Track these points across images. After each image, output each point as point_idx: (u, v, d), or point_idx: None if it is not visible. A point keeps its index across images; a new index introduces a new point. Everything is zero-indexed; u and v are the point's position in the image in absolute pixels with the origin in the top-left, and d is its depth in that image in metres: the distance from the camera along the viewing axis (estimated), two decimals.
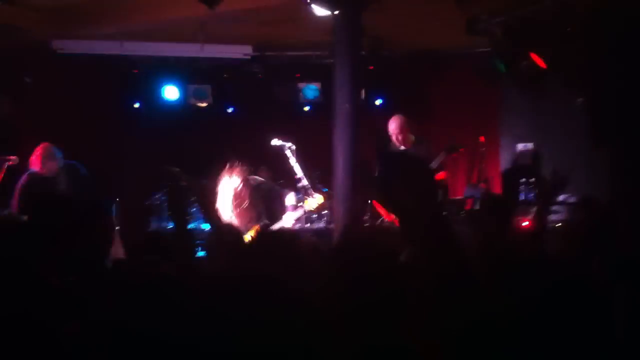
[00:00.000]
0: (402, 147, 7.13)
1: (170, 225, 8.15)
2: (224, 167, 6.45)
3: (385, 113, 9.60)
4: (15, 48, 8.50)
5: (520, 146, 8.29)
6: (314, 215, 8.14)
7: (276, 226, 6.40)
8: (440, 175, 7.22)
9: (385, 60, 9.19)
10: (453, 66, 9.25)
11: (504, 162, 8.59)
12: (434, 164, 6.98)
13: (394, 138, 7.25)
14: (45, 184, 6.65)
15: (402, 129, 7.18)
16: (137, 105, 9.84)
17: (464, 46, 8.71)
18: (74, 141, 7.97)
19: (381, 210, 7.13)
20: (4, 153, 6.97)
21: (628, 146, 6.68)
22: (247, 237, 6.16)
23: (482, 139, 7.21)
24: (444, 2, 5.80)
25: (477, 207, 7.35)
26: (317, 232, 7.93)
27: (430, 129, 9.64)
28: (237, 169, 6.41)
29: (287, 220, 6.46)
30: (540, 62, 7.29)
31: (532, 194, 7.18)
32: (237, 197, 6.39)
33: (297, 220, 6.79)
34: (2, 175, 6.78)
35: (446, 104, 9.17)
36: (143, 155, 9.11)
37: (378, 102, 9.60)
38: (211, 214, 5.34)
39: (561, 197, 7.06)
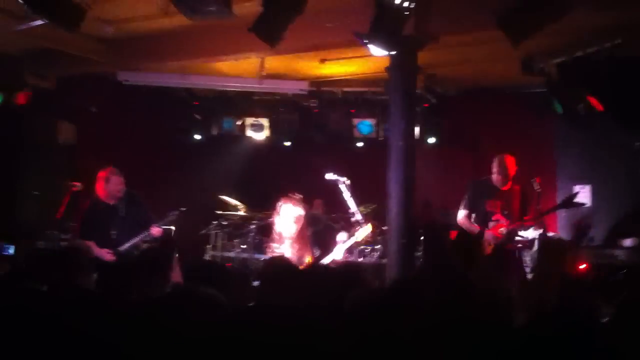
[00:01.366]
0: (497, 186, 6.96)
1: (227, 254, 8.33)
2: (282, 197, 6.62)
3: (440, 150, 9.67)
4: (83, 78, 8.87)
5: (577, 187, 8.20)
6: (367, 249, 8.21)
7: (328, 258, 6.51)
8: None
9: (440, 97, 9.25)
10: (508, 105, 9.24)
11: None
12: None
13: (495, 177, 6.96)
14: (107, 210, 6.81)
15: (509, 170, 6.89)
16: (197, 136, 10.09)
17: (520, 85, 8.71)
18: (135, 170, 8.22)
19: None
20: (70, 179, 7.22)
21: None
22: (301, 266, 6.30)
23: (537, 179, 7.14)
24: (500, 42, 5.84)
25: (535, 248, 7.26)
26: (370, 266, 8.01)
27: (485, 169, 9.64)
28: (296, 200, 6.56)
29: (338, 252, 6.54)
30: (597, 104, 7.24)
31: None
32: (297, 225, 6.55)
33: (348, 252, 6.83)
34: (67, 200, 7.01)
35: (501, 143, 9.14)
36: (201, 185, 9.32)
37: (432, 140, 9.62)
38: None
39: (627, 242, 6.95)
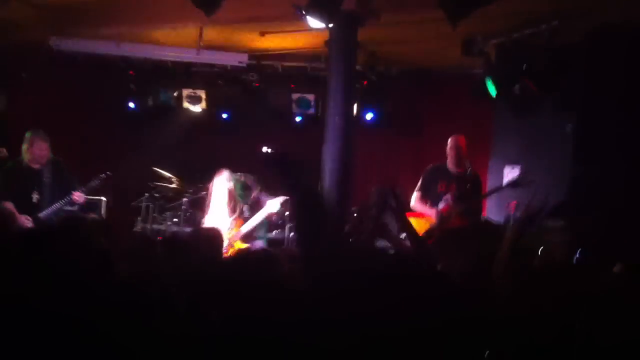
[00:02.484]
0: (455, 170, 7.04)
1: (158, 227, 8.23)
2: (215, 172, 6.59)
3: (377, 128, 9.68)
4: (13, 45, 8.54)
5: (508, 168, 8.33)
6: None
7: (258, 216, 6.62)
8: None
9: (379, 75, 9.23)
10: (448, 85, 9.30)
11: (492, 183, 8.63)
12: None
13: (450, 158, 7.05)
14: (29, 174, 6.64)
15: (463, 151, 7.01)
16: (131, 105, 9.85)
17: (460, 66, 8.76)
18: (65, 138, 7.99)
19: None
20: None
21: (610, 170, 6.73)
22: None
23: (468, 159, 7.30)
24: (441, 22, 5.83)
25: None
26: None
27: (422, 147, 9.72)
28: (227, 173, 6.55)
29: (270, 208, 6.68)
30: (532, 86, 7.33)
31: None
32: (231, 198, 6.59)
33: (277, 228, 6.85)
34: None
35: (438, 123, 9.21)
36: (135, 156, 9.11)
37: (369, 116, 9.62)
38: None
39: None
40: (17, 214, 6.16)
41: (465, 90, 8.78)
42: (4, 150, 6.86)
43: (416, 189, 7.18)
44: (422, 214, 7.05)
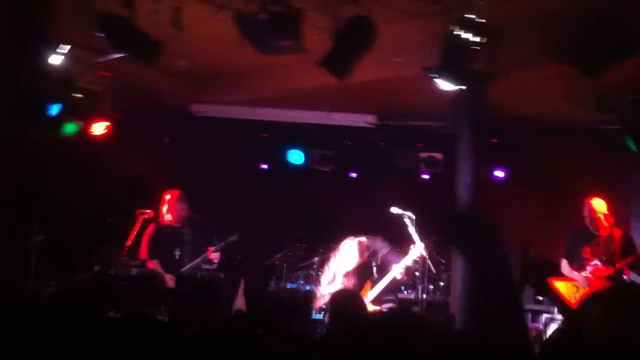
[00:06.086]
0: (595, 233, 6.93)
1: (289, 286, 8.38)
2: (346, 236, 6.65)
3: (508, 186, 9.49)
4: (156, 110, 9.12)
5: None
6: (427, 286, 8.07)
7: (385, 279, 6.49)
8: None
9: (509, 133, 9.10)
10: (580, 142, 9.01)
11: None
12: None
13: (590, 221, 6.95)
14: (171, 233, 7.00)
15: (598, 214, 6.89)
16: (264, 166, 10.21)
17: (591, 121, 8.50)
18: (203, 198, 8.37)
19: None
20: (141, 208, 7.39)
21: None
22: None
23: (611, 219, 6.99)
24: (573, 78, 5.73)
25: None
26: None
27: (554, 204, 9.40)
28: (363, 245, 6.54)
29: (394, 273, 6.57)
30: None
31: None
32: (359, 259, 6.59)
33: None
34: (137, 227, 7.19)
35: (571, 181, 8.91)
36: (267, 215, 9.40)
37: (500, 174, 9.47)
38: None
39: None
40: (164, 273, 6.51)
41: (598, 145, 8.48)
42: (150, 212, 7.28)
43: (562, 255, 7.12)
44: (571, 279, 6.98)
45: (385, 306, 6.67)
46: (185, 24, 5.71)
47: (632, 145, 7.42)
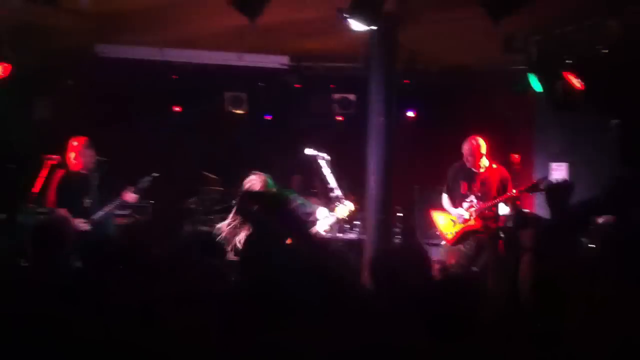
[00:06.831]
0: (474, 170, 7.12)
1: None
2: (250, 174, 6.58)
3: (418, 126, 9.70)
4: (58, 51, 8.74)
5: (554, 165, 8.29)
6: (346, 225, 8.25)
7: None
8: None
9: (420, 74, 9.24)
10: (488, 83, 9.26)
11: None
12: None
13: (467, 160, 7.14)
14: (80, 180, 6.83)
15: (478, 153, 7.07)
16: (176, 109, 10.02)
17: (500, 63, 8.73)
18: (110, 142, 8.15)
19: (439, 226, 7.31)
20: (47, 154, 7.15)
21: None
22: None
23: (516, 157, 7.27)
24: (481, 19, 5.85)
25: (510, 224, 7.41)
26: (349, 243, 8.07)
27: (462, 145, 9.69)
28: (262, 178, 6.46)
29: (320, 227, 6.54)
30: (576, 83, 7.29)
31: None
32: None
33: (330, 228, 6.83)
34: (44, 174, 6.95)
35: (480, 121, 9.17)
36: (179, 159, 9.27)
37: (410, 114, 9.65)
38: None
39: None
40: (71, 218, 6.36)
41: (506, 86, 8.76)
42: (58, 157, 7.04)
43: (444, 190, 7.33)
44: (448, 213, 7.25)
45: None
46: None
47: (537, 85, 7.67)
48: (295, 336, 2.21)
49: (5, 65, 7.97)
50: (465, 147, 7.12)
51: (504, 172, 7.14)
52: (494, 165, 7.10)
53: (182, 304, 2.58)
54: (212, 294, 2.57)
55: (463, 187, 7.11)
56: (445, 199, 7.30)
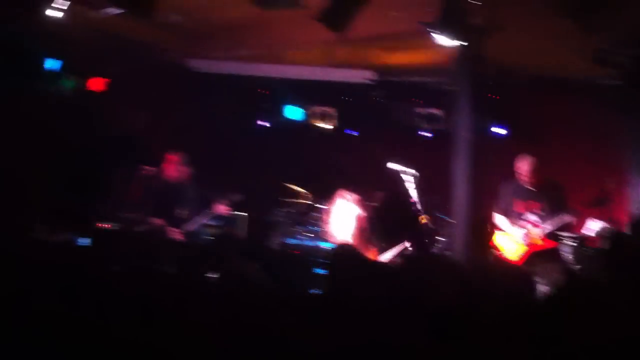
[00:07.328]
0: (529, 187, 7.04)
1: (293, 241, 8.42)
2: (341, 192, 6.64)
3: (507, 142, 9.49)
4: (153, 66, 9.09)
5: None
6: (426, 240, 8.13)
7: (389, 253, 6.49)
8: None
9: (508, 88, 9.07)
10: (580, 98, 8.97)
11: (634, 200, 8.26)
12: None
13: (522, 177, 7.13)
14: (174, 190, 7.11)
15: (534, 171, 7.05)
16: (264, 124, 10.20)
17: (593, 76, 8.46)
18: (201, 154, 8.38)
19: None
20: (141, 164, 7.44)
21: None
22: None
23: (611, 184, 7.10)
24: (572, 32, 5.71)
25: (606, 245, 7.12)
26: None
27: (553, 161, 9.41)
28: (356, 199, 6.52)
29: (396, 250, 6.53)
30: None
31: None
32: (359, 224, 6.53)
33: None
34: (139, 183, 7.25)
35: (570, 137, 8.92)
36: (265, 172, 9.43)
37: (500, 131, 9.47)
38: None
39: None
40: (167, 227, 6.63)
41: (599, 101, 8.47)
42: (152, 169, 7.36)
43: (496, 210, 7.22)
44: (509, 234, 7.12)
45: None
46: None
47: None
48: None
49: (102, 79, 8.36)
50: (520, 165, 7.09)
51: (559, 187, 7.02)
52: (548, 181, 6.95)
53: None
54: None
55: (519, 205, 6.95)
56: (501, 218, 7.16)
